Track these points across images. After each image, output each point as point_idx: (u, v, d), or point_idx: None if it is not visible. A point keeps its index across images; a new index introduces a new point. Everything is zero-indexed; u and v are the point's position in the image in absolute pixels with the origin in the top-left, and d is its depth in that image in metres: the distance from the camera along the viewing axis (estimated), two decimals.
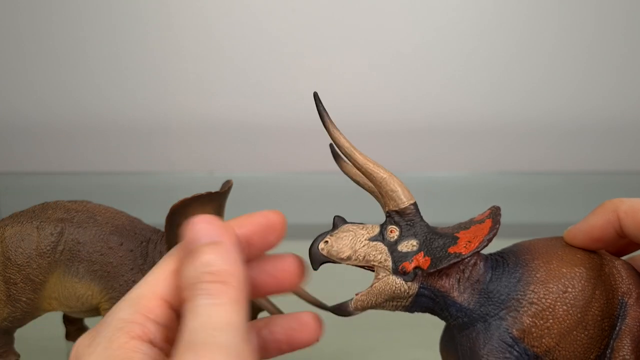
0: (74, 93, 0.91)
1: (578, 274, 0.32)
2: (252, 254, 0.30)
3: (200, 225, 0.27)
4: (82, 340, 0.26)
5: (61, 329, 0.51)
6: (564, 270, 0.32)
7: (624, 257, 0.36)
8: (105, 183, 0.89)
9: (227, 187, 0.44)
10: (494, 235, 0.31)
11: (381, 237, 0.32)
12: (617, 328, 0.33)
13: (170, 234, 0.43)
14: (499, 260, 0.33)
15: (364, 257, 0.32)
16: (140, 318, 0.26)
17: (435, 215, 0.81)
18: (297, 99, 0.91)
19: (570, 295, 0.32)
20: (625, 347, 0.32)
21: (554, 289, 0.32)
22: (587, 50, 0.92)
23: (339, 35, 0.90)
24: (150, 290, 0.27)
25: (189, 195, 0.42)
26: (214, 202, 0.43)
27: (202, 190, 0.42)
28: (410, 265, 0.31)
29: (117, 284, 0.43)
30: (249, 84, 0.91)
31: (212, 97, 0.92)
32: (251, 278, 0.31)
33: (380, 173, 0.32)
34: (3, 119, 0.91)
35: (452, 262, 0.30)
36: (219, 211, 0.44)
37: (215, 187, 0.45)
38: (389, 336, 0.53)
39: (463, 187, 0.91)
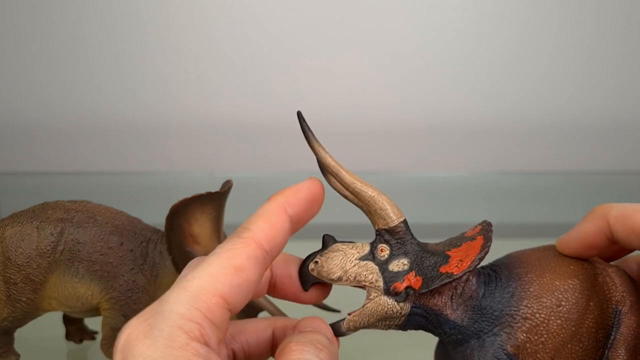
0: (74, 93, 0.91)
1: (571, 286, 0.32)
2: (297, 229, 0.31)
3: (316, 319, 0.31)
4: (136, 326, 0.25)
5: (61, 329, 0.51)
6: (557, 283, 0.32)
7: (615, 261, 0.36)
8: (105, 183, 0.89)
9: (227, 187, 0.45)
10: (486, 253, 0.31)
11: (371, 256, 0.32)
12: (612, 337, 0.33)
13: (171, 233, 0.43)
14: (492, 275, 0.33)
15: (355, 277, 0.31)
16: (198, 316, 0.25)
17: (435, 216, 0.81)
18: (297, 99, 0.91)
19: (564, 309, 0.32)
20: (620, 356, 0.32)
21: (547, 303, 0.32)
22: (587, 51, 0.92)
23: (339, 35, 0.90)
24: (212, 286, 0.26)
25: (189, 195, 0.42)
26: (214, 202, 0.43)
27: (202, 190, 0.42)
28: (401, 286, 0.31)
29: (117, 284, 0.43)
30: (249, 84, 0.91)
31: (212, 97, 0.92)
32: (275, 278, 0.32)
33: (369, 192, 0.32)
34: (3, 119, 0.91)
35: (444, 282, 0.30)
36: (219, 211, 0.44)
37: (215, 187, 0.45)
38: (386, 337, 0.53)
39: (463, 187, 0.91)
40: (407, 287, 0.31)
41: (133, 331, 0.25)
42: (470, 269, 0.30)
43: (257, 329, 0.33)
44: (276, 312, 0.45)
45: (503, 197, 0.89)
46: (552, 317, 0.31)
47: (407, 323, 0.32)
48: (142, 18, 0.89)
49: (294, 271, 0.32)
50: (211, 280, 0.26)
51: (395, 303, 0.31)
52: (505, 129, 0.94)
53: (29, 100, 0.91)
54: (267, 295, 0.34)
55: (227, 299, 0.26)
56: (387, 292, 0.31)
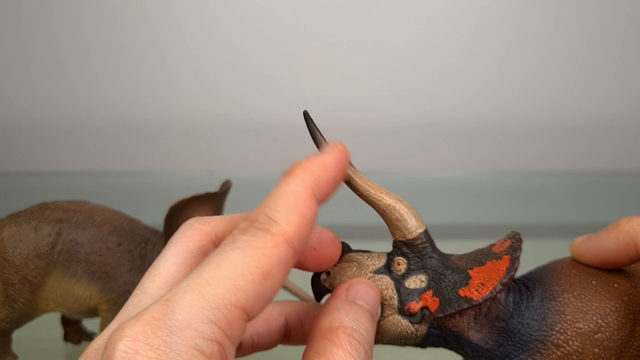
0: (74, 92, 0.91)
1: (614, 309, 0.28)
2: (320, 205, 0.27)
3: (372, 291, 0.28)
4: (142, 337, 0.20)
5: (59, 330, 0.51)
6: (597, 305, 0.29)
7: None
8: (105, 183, 0.89)
9: (226, 187, 0.44)
10: (510, 278, 0.28)
11: (388, 269, 0.29)
12: None
13: (169, 234, 0.42)
14: (523, 292, 0.30)
15: None
16: (219, 335, 0.21)
17: (435, 216, 0.81)
18: (297, 99, 0.91)
19: (604, 336, 0.28)
20: None
21: (584, 330, 0.28)
22: (588, 48, 0.92)
23: (339, 33, 0.90)
24: (234, 295, 0.22)
25: (188, 195, 0.42)
26: (212, 202, 0.43)
27: (202, 190, 0.42)
28: (417, 306, 0.29)
29: (115, 285, 0.43)
30: (249, 83, 0.91)
31: (212, 96, 0.92)
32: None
33: (384, 200, 0.29)
34: (2, 118, 0.91)
35: (462, 307, 0.28)
36: (217, 211, 0.44)
37: (215, 187, 0.45)
38: None
39: (463, 187, 0.91)
40: (423, 308, 0.29)
41: (139, 343, 0.20)
42: (492, 295, 0.28)
43: (268, 317, 0.30)
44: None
45: (503, 197, 0.88)
46: (588, 346, 0.28)
47: (425, 342, 0.30)
48: (142, 17, 0.89)
49: (330, 239, 0.29)
50: (234, 288, 0.22)
51: (410, 325, 0.29)
52: (506, 128, 0.94)
53: (28, 99, 0.91)
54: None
55: (248, 311, 0.22)
56: (401, 311, 0.29)
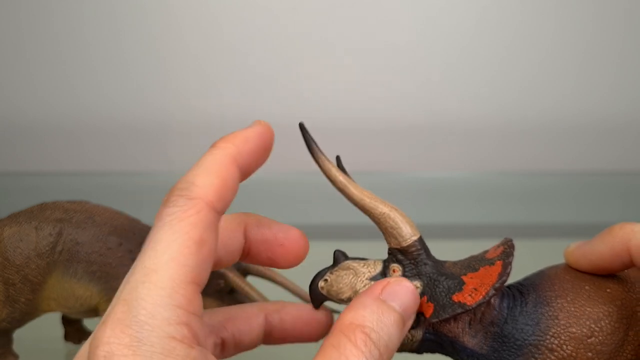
0: (74, 92, 0.91)
1: (607, 314, 0.29)
2: (242, 181, 0.28)
3: (411, 295, 0.28)
4: (117, 340, 0.21)
5: (60, 330, 0.51)
6: (590, 310, 0.29)
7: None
8: (105, 183, 0.89)
9: None
10: (503, 283, 0.28)
11: (383, 276, 0.30)
12: None
13: None
14: (517, 298, 0.30)
15: None
16: (184, 316, 0.22)
17: (435, 216, 0.81)
18: (297, 99, 0.91)
19: (597, 340, 0.28)
20: None
21: (577, 334, 0.28)
22: (588, 48, 0.92)
23: (339, 34, 0.90)
24: (182, 273, 0.22)
25: None
26: None
27: None
28: None
29: (115, 285, 0.43)
30: (249, 83, 0.91)
31: (212, 96, 0.92)
32: (250, 244, 0.30)
33: (379, 208, 0.30)
34: (2, 118, 0.91)
35: (456, 312, 0.28)
36: None
37: None
38: None
39: (463, 187, 0.91)
40: (418, 314, 0.29)
41: (113, 345, 0.21)
42: (485, 300, 0.28)
43: (249, 315, 0.31)
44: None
45: (503, 197, 0.88)
46: (582, 350, 0.28)
47: (421, 348, 0.30)
48: (143, 16, 0.89)
49: (268, 235, 0.30)
50: (178, 266, 0.22)
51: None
52: (506, 128, 0.94)
53: (28, 99, 0.91)
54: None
55: (198, 282, 0.23)
56: None
